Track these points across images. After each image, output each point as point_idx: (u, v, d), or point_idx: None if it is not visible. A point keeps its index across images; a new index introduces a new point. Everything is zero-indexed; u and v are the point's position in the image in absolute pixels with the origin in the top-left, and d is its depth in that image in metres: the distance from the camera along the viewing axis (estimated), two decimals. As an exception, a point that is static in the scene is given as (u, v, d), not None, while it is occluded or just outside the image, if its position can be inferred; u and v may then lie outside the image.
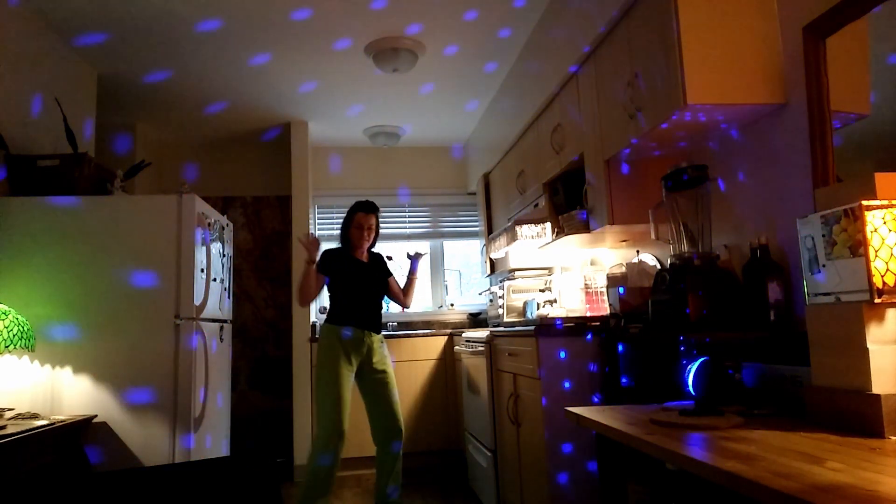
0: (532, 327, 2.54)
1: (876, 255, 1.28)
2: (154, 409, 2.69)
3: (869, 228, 1.29)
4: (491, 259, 4.61)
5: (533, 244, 3.45)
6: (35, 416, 2.50)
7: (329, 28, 3.28)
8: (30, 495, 2.16)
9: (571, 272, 3.63)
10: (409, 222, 5.27)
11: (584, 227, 2.82)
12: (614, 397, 2.33)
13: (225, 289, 3.37)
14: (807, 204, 1.71)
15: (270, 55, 3.55)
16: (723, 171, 2.18)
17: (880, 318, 1.29)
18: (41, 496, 2.14)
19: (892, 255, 1.28)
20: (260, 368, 4.92)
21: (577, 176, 2.96)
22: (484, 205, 4.79)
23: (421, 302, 5.26)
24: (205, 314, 2.97)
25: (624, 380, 2.26)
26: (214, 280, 3.14)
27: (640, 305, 2.38)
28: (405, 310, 3.55)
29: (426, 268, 5.22)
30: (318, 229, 5.15)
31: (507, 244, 3.63)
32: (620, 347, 2.28)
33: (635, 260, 2.88)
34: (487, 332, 3.27)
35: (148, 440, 2.67)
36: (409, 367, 4.32)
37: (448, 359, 4.41)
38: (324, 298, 5.12)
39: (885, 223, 1.29)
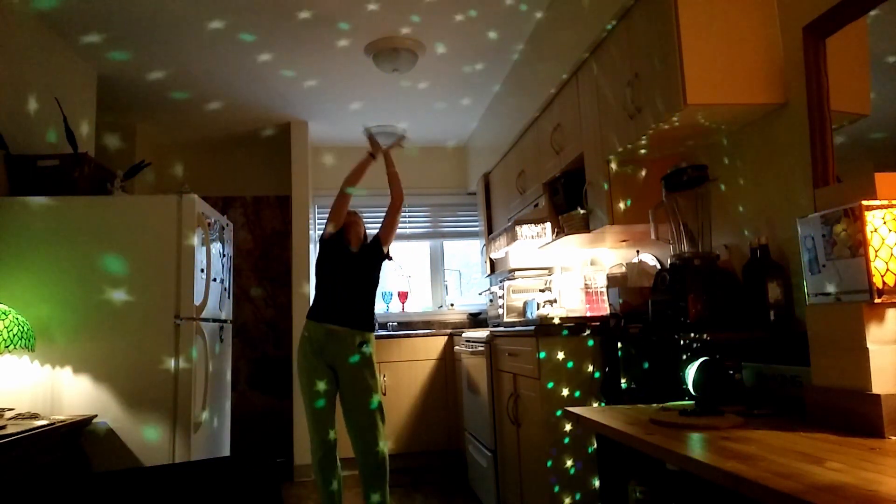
0: (532, 327, 2.54)
1: (876, 255, 1.28)
2: (154, 409, 2.69)
3: (869, 228, 1.28)
4: (491, 259, 4.61)
5: (533, 244, 3.45)
6: (35, 416, 2.50)
7: (329, 28, 3.27)
8: (30, 495, 2.16)
9: (571, 272, 3.63)
10: (409, 222, 5.27)
11: (584, 227, 2.82)
12: (614, 397, 2.33)
13: (225, 289, 3.37)
14: (807, 204, 1.71)
15: (271, 55, 3.55)
16: (723, 171, 2.18)
17: (880, 318, 1.29)
18: (41, 496, 2.14)
19: (892, 255, 1.28)
20: (260, 368, 4.92)
21: (577, 176, 2.96)
22: (484, 205, 4.79)
23: (421, 302, 5.26)
24: (205, 314, 2.97)
25: (624, 380, 2.26)
26: (214, 280, 3.13)
27: (640, 305, 2.38)
28: (401, 204, 3.24)
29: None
30: (318, 229, 5.15)
31: (507, 244, 3.63)
32: (620, 347, 2.28)
33: (635, 260, 2.88)
34: (487, 332, 3.27)
35: (148, 440, 2.67)
36: (409, 367, 4.32)
37: (448, 359, 4.41)
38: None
39: (885, 223, 1.29)
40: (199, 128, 4.73)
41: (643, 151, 2.44)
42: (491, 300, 4.67)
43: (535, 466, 2.54)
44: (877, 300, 1.27)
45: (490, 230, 4.71)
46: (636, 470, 1.68)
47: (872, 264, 1.28)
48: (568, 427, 2.41)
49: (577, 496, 2.39)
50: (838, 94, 1.68)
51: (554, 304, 3.43)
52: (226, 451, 3.35)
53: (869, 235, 1.28)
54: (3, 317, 2.40)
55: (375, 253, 3.07)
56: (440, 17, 3.21)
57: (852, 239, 1.31)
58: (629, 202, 2.54)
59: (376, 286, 3.06)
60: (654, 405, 1.83)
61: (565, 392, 2.44)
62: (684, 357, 1.85)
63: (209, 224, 3.08)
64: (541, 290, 3.72)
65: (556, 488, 2.39)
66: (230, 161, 5.10)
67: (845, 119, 1.70)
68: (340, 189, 3.08)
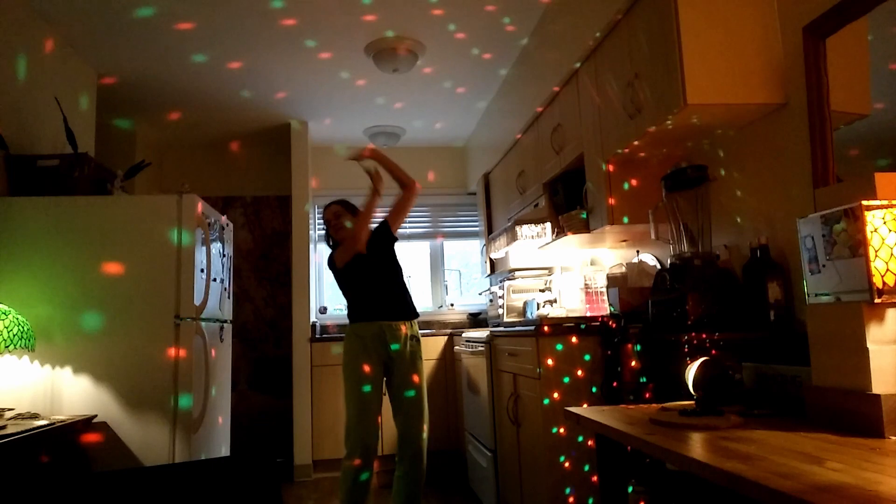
0: (532, 327, 2.54)
1: (876, 255, 1.28)
2: (154, 409, 2.69)
3: (869, 228, 1.28)
4: (491, 259, 4.61)
5: (533, 244, 3.45)
6: (35, 416, 2.50)
7: (329, 28, 3.28)
8: (30, 495, 2.16)
9: (571, 272, 3.63)
10: (409, 222, 5.27)
11: (584, 227, 2.82)
12: (614, 397, 2.33)
13: (225, 289, 3.37)
14: (807, 204, 1.71)
15: (271, 55, 3.55)
16: (723, 171, 2.18)
17: (880, 318, 1.29)
18: (41, 496, 2.14)
19: (892, 255, 1.28)
20: (260, 368, 4.92)
21: (577, 176, 2.96)
22: (484, 205, 4.79)
23: (421, 302, 5.26)
24: (205, 314, 2.97)
25: (623, 380, 2.26)
26: (214, 280, 3.13)
27: (640, 305, 2.39)
28: (417, 189, 3.08)
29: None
30: (319, 229, 5.15)
31: (507, 244, 3.64)
32: (620, 347, 2.28)
33: (635, 260, 2.88)
34: (487, 332, 3.27)
35: (148, 440, 2.67)
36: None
37: (448, 359, 4.41)
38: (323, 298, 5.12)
39: (885, 223, 1.29)
40: (199, 128, 4.73)
41: (643, 152, 2.44)
42: (491, 300, 4.67)
43: (535, 466, 2.54)
44: (877, 300, 1.27)
45: (490, 230, 4.71)
46: (636, 470, 1.68)
47: (872, 264, 1.27)
48: (568, 427, 2.41)
49: (577, 496, 2.39)
50: (838, 94, 1.68)
51: (554, 304, 3.43)
52: (226, 451, 3.35)
53: (869, 235, 1.28)
54: (3, 317, 2.40)
55: (385, 240, 2.99)
56: (440, 16, 3.21)
57: (852, 239, 1.31)
58: (629, 202, 2.54)
59: (400, 270, 2.99)
60: (654, 405, 1.83)
61: (565, 392, 2.44)
62: (684, 357, 1.85)
63: (209, 224, 3.08)
64: (541, 290, 3.72)
65: (556, 488, 2.39)
66: (230, 161, 5.10)
67: (845, 119, 1.70)
68: (356, 237, 2.87)
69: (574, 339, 2.47)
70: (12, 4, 2.87)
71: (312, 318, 4.57)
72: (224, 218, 3.41)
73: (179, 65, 3.63)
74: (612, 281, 2.81)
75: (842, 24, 1.65)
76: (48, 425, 2.36)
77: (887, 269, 1.28)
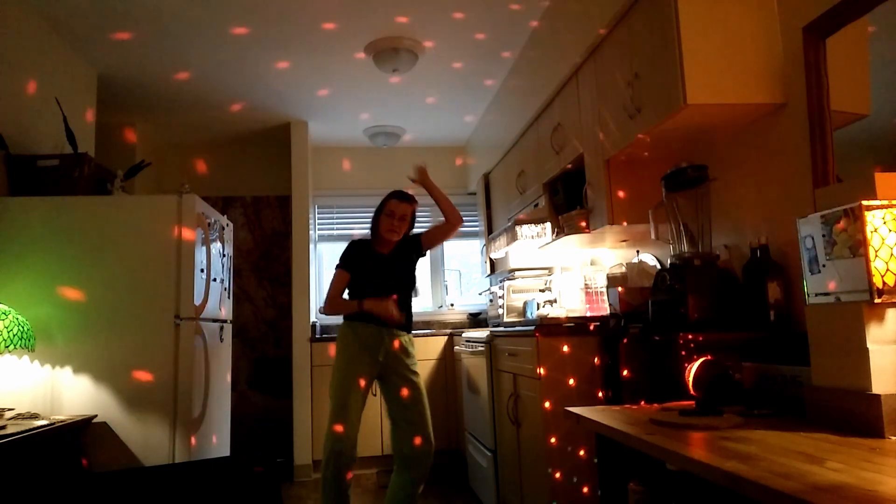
0: (532, 327, 2.54)
1: (876, 255, 1.28)
2: (154, 409, 2.69)
3: (869, 228, 1.28)
4: (491, 259, 4.61)
5: (533, 244, 3.45)
6: (35, 416, 2.50)
7: (329, 28, 3.27)
8: (30, 495, 2.16)
9: (571, 272, 3.63)
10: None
11: (584, 227, 2.82)
12: (614, 397, 2.33)
13: (225, 289, 3.36)
14: (807, 204, 1.71)
15: (271, 55, 3.55)
16: (723, 171, 2.18)
17: (880, 318, 1.29)
18: (41, 496, 2.14)
19: (892, 255, 1.28)
20: (260, 368, 4.92)
21: (577, 176, 2.96)
22: (484, 205, 4.79)
23: (421, 302, 5.26)
24: (205, 314, 2.97)
25: (624, 380, 2.26)
26: (214, 280, 3.13)
27: (640, 305, 2.38)
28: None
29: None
30: (319, 229, 5.15)
31: (507, 244, 3.64)
32: (620, 347, 2.28)
33: (635, 260, 2.88)
34: (487, 332, 3.27)
35: (148, 440, 2.67)
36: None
37: (448, 359, 4.41)
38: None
39: (885, 223, 1.29)
40: (200, 127, 4.73)
41: (643, 152, 2.44)
42: (491, 300, 4.67)
43: (535, 466, 2.54)
44: (877, 300, 1.27)
45: (490, 230, 4.71)
46: (636, 470, 1.68)
47: (872, 264, 1.27)
48: (568, 427, 2.41)
49: (577, 496, 2.39)
50: (838, 94, 1.68)
51: (554, 304, 3.43)
52: (226, 451, 3.35)
53: (869, 235, 1.28)
54: (3, 317, 2.41)
55: (412, 251, 2.94)
56: (440, 16, 3.21)
57: (852, 239, 1.31)
58: (629, 202, 2.54)
59: (414, 285, 2.95)
60: (654, 405, 1.83)
61: (565, 392, 2.44)
62: (684, 357, 1.85)
63: (209, 224, 3.08)
64: (541, 290, 3.72)
65: (556, 488, 2.39)
66: (230, 161, 5.10)
67: (845, 119, 1.70)
68: (325, 310, 2.83)
69: (574, 340, 2.47)
70: (12, 4, 2.87)
71: (312, 318, 4.57)
72: (224, 218, 3.41)
73: (180, 65, 3.63)
74: (612, 281, 2.81)
75: (842, 24, 1.65)
76: (48, 425, 2.36)
77: (887, 269, 1.28)
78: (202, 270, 2.94)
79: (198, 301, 2.86)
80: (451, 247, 5.38)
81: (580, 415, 1.72)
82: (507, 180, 4.13)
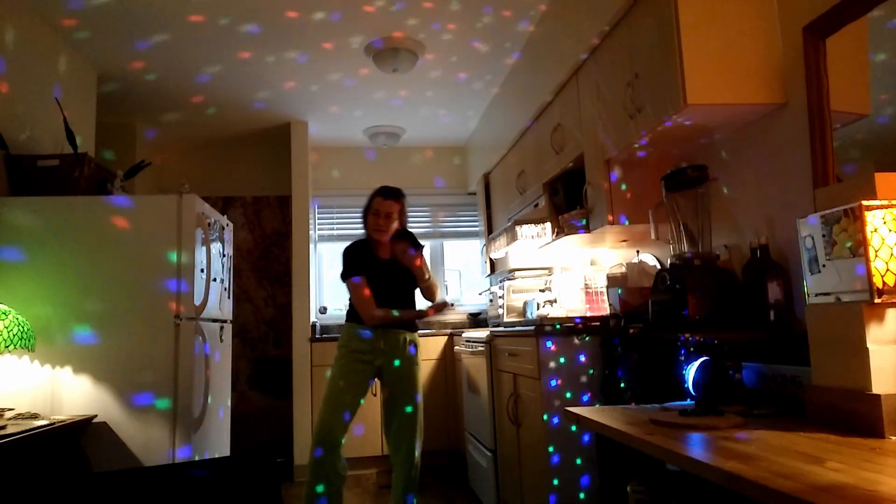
0: (532, 327, 2.54)
1: (876, 255, 1.28)
2: (154, 409, 2.69)
3: (869, 228, 1.29)
4: (491, 259, 4.61)
5: (533, 244, 3.45)
6: (35, 416, 2.50)
7: (329, 28, 3.28)
8: (30, 495, 2.16)
9: (571, 272, 3.63)
10: (410, 222, 5.25)
11: (584, 227, 2.82)
12: (614, 397, 2.33)
13: (225, 289, 3.36)
14: (807, 204, 1.71)
15: (271, 55, 3.55)
16: (723, 171, 2.18)
17: (880, 318, 1.29)
18: (41, 496, 2.14)
19: (892, 255, 1.28)
20: (260, 368, 4.92)
21: (577, 176, 2.96)
22: (484, 205, 4.79)
23: (421, 302, 5.25)
24: (205, 314, 2.97)
25: (623, 380, 2.26)
26: (214, 280, 3.13)
27: (640, 305, 2.39)
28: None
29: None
30: (318, 229, 5.15)
31: (507, 244, 3.63)
32: (620, 347, 2.28)
33: (635, 260, 2.88)
34: (487, 332, 3.27)
35: (148, 440, 2.67)
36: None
37: (448, 359, 4.41)
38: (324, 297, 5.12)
39: (885, 223, 1.29)
40: (199, 128, 4.73)
41: (643, 152, 2.44)
42: (491, 300, 4.67)
43: (535, 466, 2.54)
44: (877, 300, 1.27)
45: (490, 230, 4.71)
46: (636, 470, 1.68)
47: (872, 264, 1.28)
48: (568, 427, 2.41)
49: (577, 496, 2.39)
50: (838, 94, 1.68)
51: (554, 304, 3.43)
52: (226, 451, 3.35)
53: (869, 235, 1.28)
54: (3, 317, 2.40)
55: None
56: (440, 16, 3.21)
57: (852, 239, 1.31)
58: (629, 202, 2.54)
59: (414, 283, 2.87)
60: (654, 405, 1.83)
61: (565, 392, 2.44)
62: (684, 357, 1.85)
63: (209, 224, 3.08)
64: (541, 290, 3.71)
65: (556, 488, 2.39)
66: (230, 161, 5.10)
67: (845, 119, 1.70)
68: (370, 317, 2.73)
69: (574, 340, 2.47)
70: (12, 4, 2.87)
71: (312, 318, 4.57)
72: (224, 218, 3.41)
73: (179, 65, 3.63)
74: (612, 281, 2.81)
75: (842, 24, 1.65)
76: (48, 425, 2.36)
77: (887, 269, 1.28)
78: (202, 270, 2.94)
79: (198, 301, 2.86)
80: (451, 247, 5.38)
81: (580, 415, 1.72)
82: (507, 180, 4.13)
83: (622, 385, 2.27)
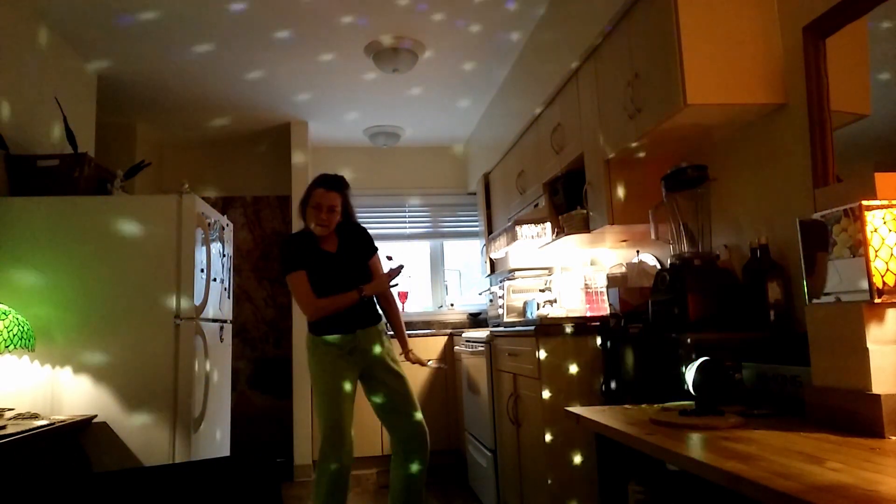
0: (532, 327, 2.54)
1: (876, 255, 1.28)
2: (154, 409, 2.69)
3: (869, 228, 1.28)
4: (491, 259, 4.61)
5: (533, 244, 3.45)
6: (35, 416, 2.50)
7: (329, 29, 3.28)
8: (30, 495, 2.16)
9: (571, 272, 3.63)
10: (409, 222, 5.27)
11: (584, 227, 2.82)
12: (614, 397, 2.33)
13: (225, 289, 3.37)
14: (807, 204, 1.71)
15: (271, 56, 3.55)
16: (723, 171, 2.18)
17: (880, 318, 1.29)
18: (41, 496, 2.14)
19: (892, 255, 1.28)
20: (260, 368, 4.92)
21: (577, 176, 2.96)
22: (484, 205, 4.79)
23: (421, 302, 5.26)
24: (205, 314, 2.97)
25: (623, 380, 2.26)
26: (214, 280, 3.13)
27: (640, 305, 2.38)
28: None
29: (406, 280, 4.61)
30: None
31: (507, 244, 3.63)
32: (620, 347, 2.28)
33: (635, 260, 2.88)
34: (487, 332, 3.27)
35: (148, 440, 2.67)
36: (408, 367, 4.30)
37: (448, 359, 4.41)
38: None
39: (885, 223, 1.29)
40: (200, 128, 4.73)
41: (643, 151, 2.44)
42: (491, 300, 4.67)
43: (535, 466, 2.54)
44: (877, 300, 1.27)
45: (490, 230, 4.71)
46: (636, 470, 1.68)
47: (872, 264, 1.27)
48: (568, 427, 2.41)
49: (577, 496, 2.39)
50: (838, 94, 1.68)
51: (554, 304, 3.43)
52: (226, 451, 3.35)
53: (869, 235, 1.28)
54: (3, 317, 2.41)
55: (359, 250, 2.70)
56: (440, 16, 3.21)
57: (852, 239, 1.31)
58: (629, 202, 2.54)
59: (367, 278, 2.69)
60: (655, 405, 1.83)
61: (565, 392, 2.44)
62: (684, 357, 1.85)
63: (209, 224, 3.08)
64: (541, 290, 3.72)
65: (556, 488, 2.39)
66: (230, 161, 5.10)
67: (845, 119, 1.70)
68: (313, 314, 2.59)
69: (574, 340, 2.47)
70: (12, 4, 2.87)
71: (312, 318, 4.57)
72: (224, 218, 3.41)
73: (180, 65, 3.63)
74: (612, 281, 2.81)
75: (842, 24, 1.65)
76: (48, 425, 2.36)
77: (887, 269, 1.27)
78: (202, 270, 2.94)
79: (198, 301, 2.86)
80: (451, 247, 5.39)
81: (580, 415, 1.72)
82: (507, 180, 4.13)
83: (622, 385, 2.27)
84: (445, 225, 5.34)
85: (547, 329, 2.48)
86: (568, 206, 3.04)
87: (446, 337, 4.46)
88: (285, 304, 4.88)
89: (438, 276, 5.29)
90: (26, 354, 2.63)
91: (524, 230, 3.39)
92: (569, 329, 2.48)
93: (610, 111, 2.49)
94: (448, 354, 4.42)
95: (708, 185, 2.04)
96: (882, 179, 1.33)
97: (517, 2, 3.09)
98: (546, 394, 2.44)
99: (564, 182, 3.12)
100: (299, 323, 4.38)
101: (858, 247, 1.30)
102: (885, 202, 1.30)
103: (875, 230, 1.28)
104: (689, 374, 1.67)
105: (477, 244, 5.23)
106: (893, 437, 1.22)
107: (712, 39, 1.93)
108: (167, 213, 2.83)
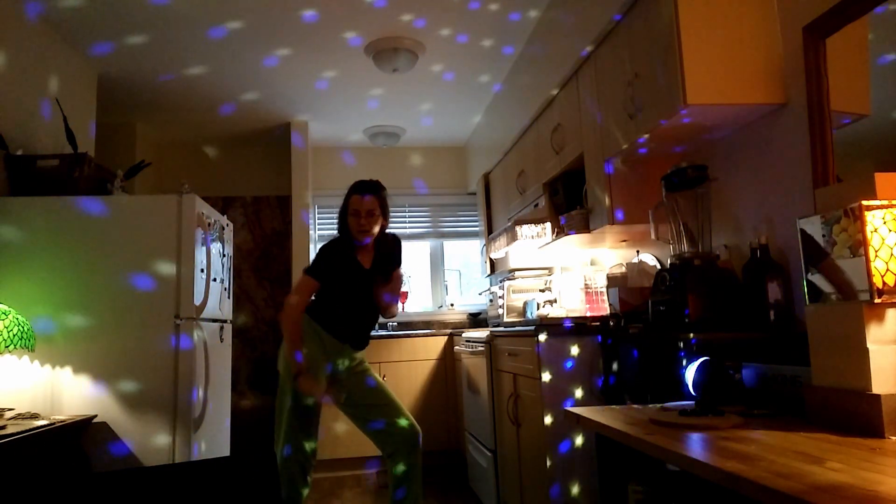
0: (532, 327, 2.54)
1: (876, 255, 1.28)
2: (154, 409, 2.69)
3: (869, 228, 1.29)
4: (491, 259, 4.61)
5: (533, 244, 3.45)
6: (35, 416, 2.50)
7: (329, 28, 3.28)
8: (30, 495, 2.16)
9: (571, 272, 3.63)
10: (409, 222, 5.27)
11: (584, 227, 2.82)
12: (614, 397, 2.33)
13: (225, 289, 3.36)
14: (807, 204, 1.71)
15: (271, 56, 3.55)
16: (723, 171, 2.18)
17: (880, 318, 1.29)
18: (41, 496, 2.14)
19: (892, 255, 1.28)
20: (260, 368, 4.92)
21: (577, 176, 2.96)
22: (484, 205, 4.79)
23: (421, 302, 5.26)
24: (205, 314, 2.97)
25: (623, 380, 2.26)
26: (214, 280, 3.13)
27: (640, 305, 2.38)
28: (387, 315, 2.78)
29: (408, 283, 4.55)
30: (318, 229, 5.15)
31: (507, 244, 3.64)
32: (620, 347, 2.28)
33: (635, 260, 2.88)
34: (487, 332, 3.27)
35: (148, 440, 2.67)
36: (409, 367, 4.32)
37: (448, 359, 4.41)
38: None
39: (885, 223, 1.29)
40: (200, 128, 4.73)
41: (643, 151, 2.44)
42: (491, 300, 4.67)
43: (535, 466, 2.54)
44: (877, 300, 1.27)
45: (490, 230, 4.71)
46: (636, 470, 1.68)
47: (872, 264, 1.28)
48: (568, 427, 2.41)
49: (577, 496, 2.39)
50: (838, 94, 1.68)
51: (554, 304, 3.43)
52: (226, 451, 3.35)
53: (869, 235, 1.28)
54: (3, 317, 2.40)
55: (390, 269, 2.65)
56: (440, 16, 3.21)
57: (852, 239, 1.31)
58: (629, 202, 2.54)
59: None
60: (654, 405, 1.83)
61: (565, 392, 2.44)
62: (684, 357, 1.85)
63: (209, 224, 3.08)
64: (541, 290, 3.72)
65: (556, 488, 2.39)
66: (230, 161, 5.10)
67: (845, 119, 1.70)
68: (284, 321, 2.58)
69: (574, 340, 2.47)
70: (13, 4, 2.87)
71: (312, 318, 4.57)
72: (224, 218, 3.41)
73: (180, 65, 3.63)
74: (612, 281, 2.81)
75: (842, 24, 1.65)
76: (48, 425, 2.36)
77: (887, 269, 1.28)
78: (202, 270, 2.94)
79: (198, 301, 2.86)
80: (451, 247, 5.39)
81: (580, 415, 1.72)
82: (507, 180, 4.13)
83: (622, 385, 2.27)
84: (445, 225, 5.34)
85: (547, 329, 2.48)
86: (568, 206, 3.04)
87: (446, 337, 4.46)
88: (285, 304, 4.88)
89: (438, 276, 5.29)
90: (26, 354, 2.63)
91: (524, 230, 3.39)
92: (569, 329, 2.48)
93: (610, 111, 2.49)
94: (448, 354, 4.42)
95: (708, 185, 2.04)
96: (882, 179, 1.33)
97: (518, 1, 3.09)
98: (546, 394, 2.44)
99: (564, 182, 3.12)
100: (299, 323, 4.37)
101: (858, 247, 1.30)
102: (885, 202, 1.30)
103: (875, 230, 1.28)
104: (689, 374, 1.67)
105: (477, 244, 5.23)
106: (893, 437, 1.22)
107: (712, 39, 1.93)
108: (167, 213, 2.83)
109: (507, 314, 3.82)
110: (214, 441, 3.12)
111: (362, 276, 2.59)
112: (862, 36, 1.69)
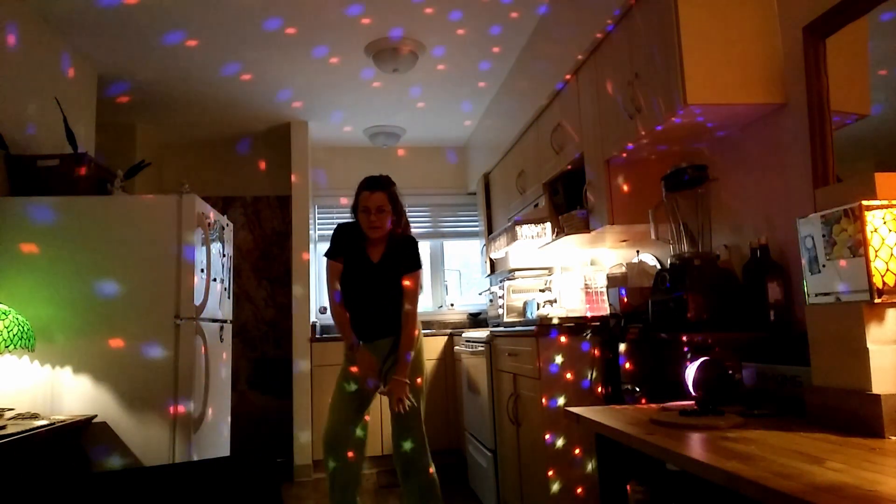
0: (532, 327, 2.54)
1: (876, 255, 1.28)
2: (154, 409, 2.69)
3: (869, 228, 1.28)
4: (491, 259, 4.61)
5: (533, 244, 3.45)
6: (35, 416, 2.50)
7: (329, 28, 3.27)
8: (30, 495, 2.16)
9: (571, 272, 3.63)
10: (410, 222, 5.25)
11: (585, 227, 2.82)
12: (614, 397, 2.33)
13: (225, 289, 3.36)
14: (807, 204, 1.71)
15: (271, 56, 3.55)
16: (723, 171, 2.18)
17: (880, 318, 1.29)
18: (41, 496, 2.14)
19: (892, 255, 1.28)
20: (260, 368, 4.92)
21: (577, 176, 2.96)
22: (484, 205, 4.80)
23: (421, 302, 5.24)
24: (205, 314, 2.97)
25: (623, 380, 2.26)
26: (214, 280, 3.13)
27: (640, 305, 2.38)
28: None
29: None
30: (319, 229, 5.15)
31: (507, 244, 3.63)
32: (620, 347, 2.28)
33: (635, 260, 2.88)
34: (487, 332, 3.27)
35: (148, 440, 2.67)
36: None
37: (448, 359, 4.41)
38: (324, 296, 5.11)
39: (885, 223, 1.29)
40: (199, 128, 4.73)
41: (643, 151, 2.44)
42: (491, 300, 4.67)
43: (535, 466, 2.54)
44: (877, 300, 1.27)
45: (490, 230, 4.71)
46: (636, 470, 1.68)
47: (872, 264, 1.27)
48: (568, 427, 2.41)
49: (577, 496, 2.39)
50: (838, 94, 1.68)
51: (554, 304, 3.43)
52: (226, 451, 3.35)
53: (869, 235, 1.28)
54: (3, 317, 2.40)
55: (399, 264, 2.62)
56: (440, 16, 3.21)
57: (852, 239, 1.31)
58: (629, 202, 2.54)
59: (399, 291, 2.64)
60: (654, 405, 1.83)
61: (565, 392, 2.44)
62: (684, 357, 1.85)
63: (209, 224, 3.08)
64: (541, 290, 3.72)
65: (556, 488, 2.39)
66: (230, 161, 5.10)
67: (845, 119, 1.70)
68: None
69: (574, 340, 2.47)
70: (13, 4, 2.87)
71: (312, 318, 4.57)
72: (224, 218, 3.41)
73: (180, 65, 3.63)
74: (612, 281, 2.81)
75: (842, 24, 1.65)
76: (48, 425, 2.36)
77: (887, 269, 1.28)
78: (202, 270, 2.94)
79: (198, 301, 2.86)
80: (451, 247, 5.39)
81: (580, 415, 1.72)
82: (507, 180, 4.13)
83: (622, 385, 2.27)
84: (445, 225, 5.34)
85: (547, 329, 2.48)
86: (568, 206, 3.04)
87: (446, 337, 4.46)
88: (285, 304, 4.88)
89: (438, 276, 5.29)
90: (26, 354, 2.63)
91: (524, 230, 3.39)
92: (569, 329, 2.48)
93: (610, 111, 2.49)
94: (448, 354, 4.42)
95: (708, 185, 2.04)
96: (882, 179, 1.33)
97: (518, 1, 3.09)
98: (546, 394, 2.44)
99: (564, 182, 3.12)
100: (299, 323, 4.38)
101: (858, 247, 1.30)
102: (885, 202, 1.30)
103: (875, 230, 1.28)
104: (689, 374, 1.67)
105: (477, 244, 5.23)
106: (893, 437, 1.22)
107: (712, 39, 1.93)
108: (167, 213, 2.83)
109: (507, 314, 3.82)
110: (214, 441, 3.12)
111: (369, 268, 2.60)
112: (862, 36, 1.68)
